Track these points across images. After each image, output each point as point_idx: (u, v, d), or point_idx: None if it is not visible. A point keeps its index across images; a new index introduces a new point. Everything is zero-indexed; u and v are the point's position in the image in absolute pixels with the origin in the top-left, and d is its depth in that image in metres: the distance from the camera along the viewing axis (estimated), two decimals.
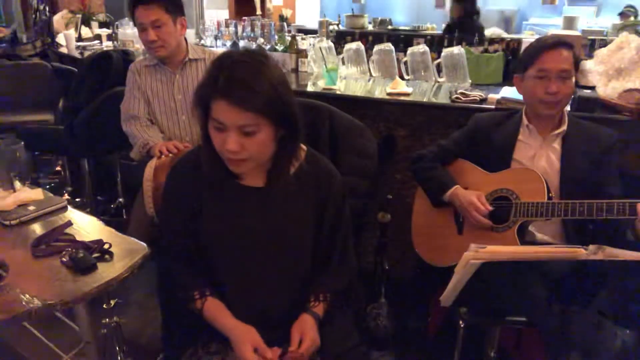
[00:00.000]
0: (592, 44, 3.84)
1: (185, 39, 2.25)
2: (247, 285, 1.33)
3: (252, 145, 1.18)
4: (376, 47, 3.05)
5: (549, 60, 1.69)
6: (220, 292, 1.33)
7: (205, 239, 1.32)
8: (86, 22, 4.35)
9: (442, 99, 2.49)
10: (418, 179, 1.96)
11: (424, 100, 2.50)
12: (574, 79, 1.73)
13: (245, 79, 1.13)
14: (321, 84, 2.70)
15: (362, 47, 3.08)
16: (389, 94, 2.51)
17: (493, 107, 2.24)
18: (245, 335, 1.25)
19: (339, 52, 3.22)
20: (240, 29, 3.69)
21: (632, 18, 5.29)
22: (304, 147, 1.35)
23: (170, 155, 1.93)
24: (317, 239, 1.36)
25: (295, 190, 1.32)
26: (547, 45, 1.71)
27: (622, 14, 5.45)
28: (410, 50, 3.00)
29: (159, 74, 2.23)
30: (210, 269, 1.34)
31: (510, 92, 2.32)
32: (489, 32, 4.90)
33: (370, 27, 5.80)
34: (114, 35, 4.06)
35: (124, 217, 3.17)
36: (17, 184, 1.66)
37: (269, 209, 1.32)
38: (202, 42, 3.89)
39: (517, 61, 1.94)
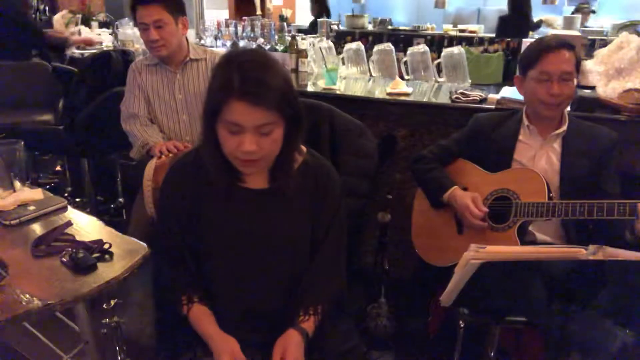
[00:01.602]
0: (592, 44, 3.84)
1: (187, 39, 2.25)
2: (244, 287, 1.32)
3: (268, 144, 1.17)
4: (376, 47, 3.06)
5: (551, 62, 1.68)
6: (214, 295, 1.32)
7: (204, 241, 1.32)
8: (86, 22, 4.34)
9: (442, 99, 2.49)
10: (417, 180, 1.96)
11: (424, 100, 2.50)
12: (575, 80, 1.73)
13: (260, 77, 1.12)
14: (321, 84, 2.70)
15: (362, 47, 3.08)
16: (389, 94, 2.51)
17: (493, 107, 2.24)
18: (225, 347, 1.22)
19: (339, 52, 3.23)
20: (240, 29, 3.69)
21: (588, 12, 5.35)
22: (302, 147, 1.34)
23: (170, 155, 1.93)
24: (313, 239, 1.35)
25: (295, 191, 1.31)
26: (549, 46, 1.70)
27: (577, 9, 5.47)
28: (410, 50, 3.01)
29: (160, 73, 2.23)
30: (206, 270, 1.33)
31: (510, 92, 2.32)
32: None
33: (370, 27, 5.80)
34: (114, 35, 4.06)
35: (124, 217, 3.17)
36: (17, 184, 1.65)
37: (270, 210, 1.31)
38: (202, 42, 3.88)
39: (518, 61, 1.93)
